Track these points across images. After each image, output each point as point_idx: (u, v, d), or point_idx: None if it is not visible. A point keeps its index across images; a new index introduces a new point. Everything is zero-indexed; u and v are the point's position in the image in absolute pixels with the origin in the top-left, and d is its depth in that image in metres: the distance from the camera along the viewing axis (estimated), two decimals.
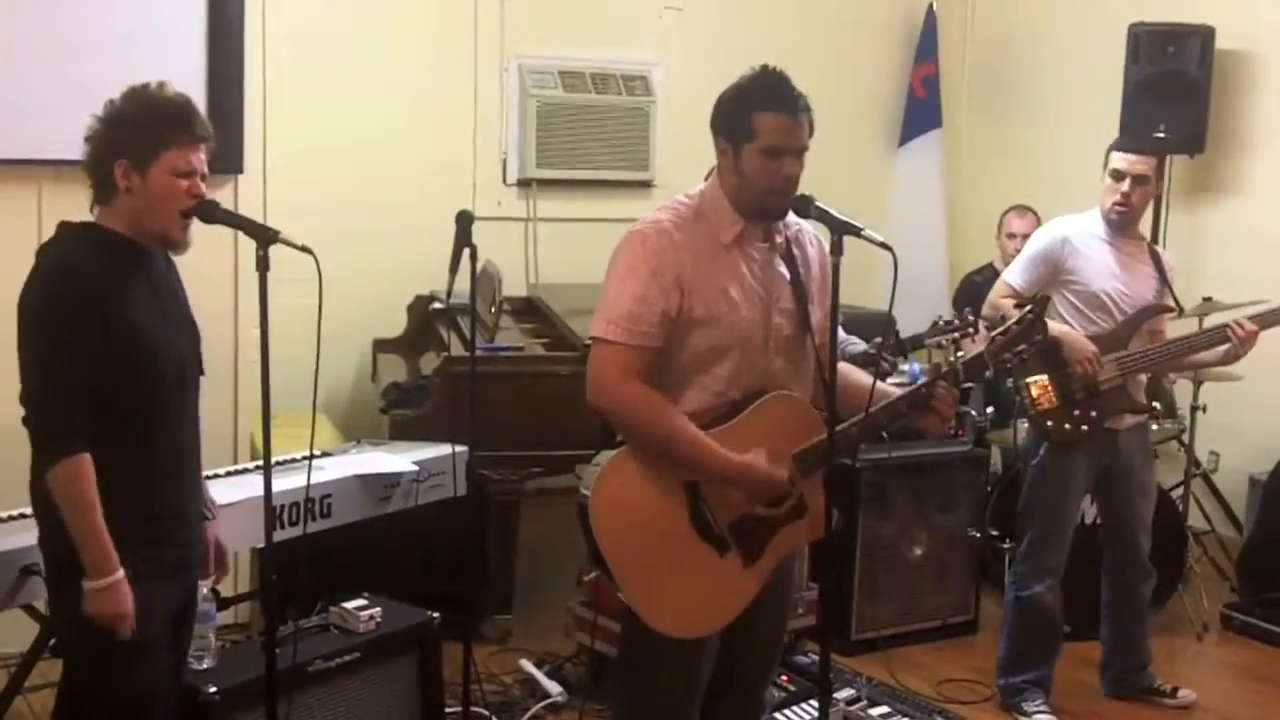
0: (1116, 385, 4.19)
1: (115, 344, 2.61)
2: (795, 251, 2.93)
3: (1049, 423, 4.22)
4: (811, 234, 3.01)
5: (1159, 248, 4.36)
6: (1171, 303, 4.32)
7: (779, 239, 2.91)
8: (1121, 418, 4.25)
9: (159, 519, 2.75)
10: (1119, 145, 4.24)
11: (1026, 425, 4.43)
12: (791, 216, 2.91)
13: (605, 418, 2.83)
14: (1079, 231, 4.24)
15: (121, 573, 2.62)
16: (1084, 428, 4.19)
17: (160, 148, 2.64)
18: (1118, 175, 4.16)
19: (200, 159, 2.70)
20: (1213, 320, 4.56)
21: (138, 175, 2.65)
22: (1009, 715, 4.40)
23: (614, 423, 2.82)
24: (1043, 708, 4.34)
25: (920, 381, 2.95)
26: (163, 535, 2.76)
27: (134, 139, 2.65)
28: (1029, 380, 4.23)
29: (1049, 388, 4.21)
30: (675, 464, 2.79)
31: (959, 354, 3.00)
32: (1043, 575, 4.29)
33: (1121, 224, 4.21)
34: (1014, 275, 4.29)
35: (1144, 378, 4.35)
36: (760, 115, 2.76)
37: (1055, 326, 4.19)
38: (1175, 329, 4.46)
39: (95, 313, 2.58)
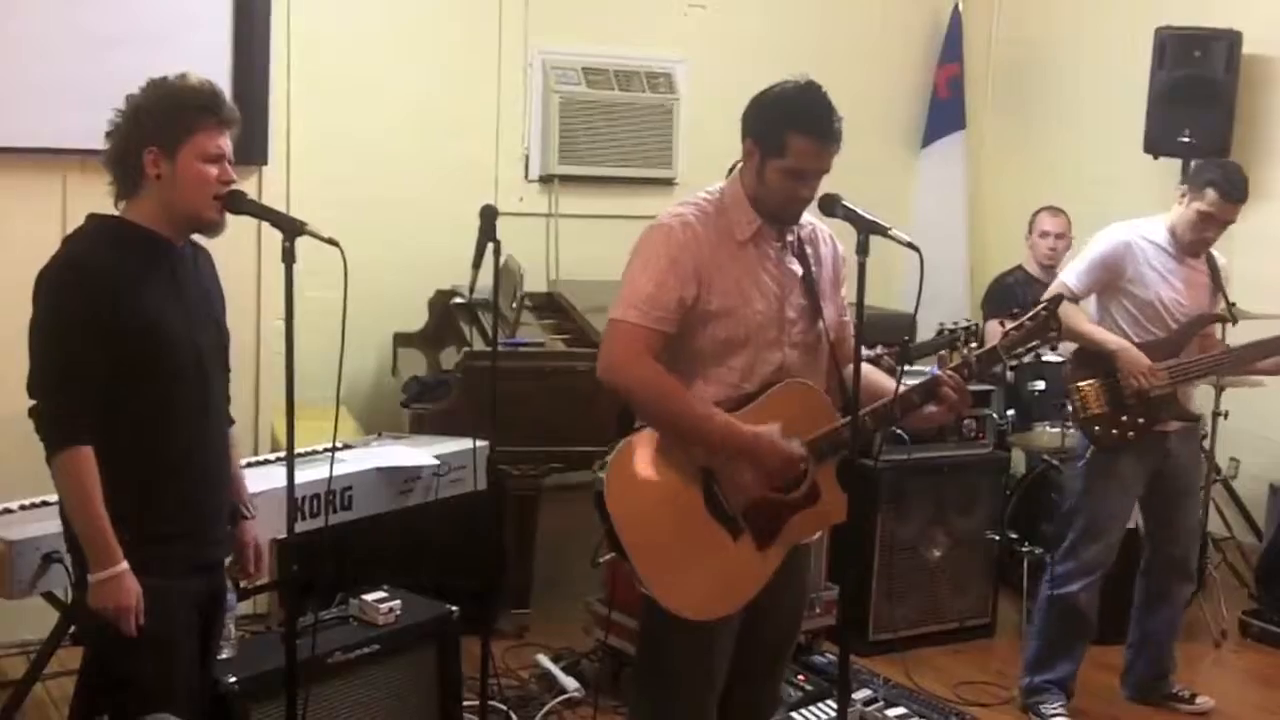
0: (1167, 393, 4.17)
1: (128, 338, 2.60)
2: (808, 249, 2.98)
3: (1096, 428, 4.20)
4: (825, 233, 3.05)
5: (1214, 251, 4.27)
6: (1224, 309, 4.29)
7: (791, 238, 2.95)
8: (1168, 422, 4.23)
9: (175, 516, 2.71)
10: (1230, 195, 4.07)
11: (1073, 428, 4.36)
12: (805, 216, 2.95)
13: (617, 393, 2.86)
14: (1141, 239, 4.19)
15: (124, 565, 2.60)
16: (1130, 434, 4.18)
17: (188, 132, 2.64)
18: (1211, 219, 4.09)
19: (227, 143, 2.70)
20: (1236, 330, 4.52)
21: (167, 162, 2.64)
22: (1026, 717, 4.38)
23: (626, 398, 2.86)
24: (1061, 711, 4.32)
25: (933, 373, 2.96)
26: (180, 532, 2.72)
27: (162, 125, 2.64)
28: (1079, 384, 4.22)
29: (1100, 393, 4.20)
30: (686, 439, 2.82)
31: (973, 346, 3.04)
32: (1081, 575, 4.27)
33: (1199, 251, 4.19)
34: (1072, 277, 4.24)
35: (1198, 384, 4.33)
36: (794, 136, 2.78)
37: (1112, 339, 4.19)
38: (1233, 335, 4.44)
39: (105, 307, 2.58)
